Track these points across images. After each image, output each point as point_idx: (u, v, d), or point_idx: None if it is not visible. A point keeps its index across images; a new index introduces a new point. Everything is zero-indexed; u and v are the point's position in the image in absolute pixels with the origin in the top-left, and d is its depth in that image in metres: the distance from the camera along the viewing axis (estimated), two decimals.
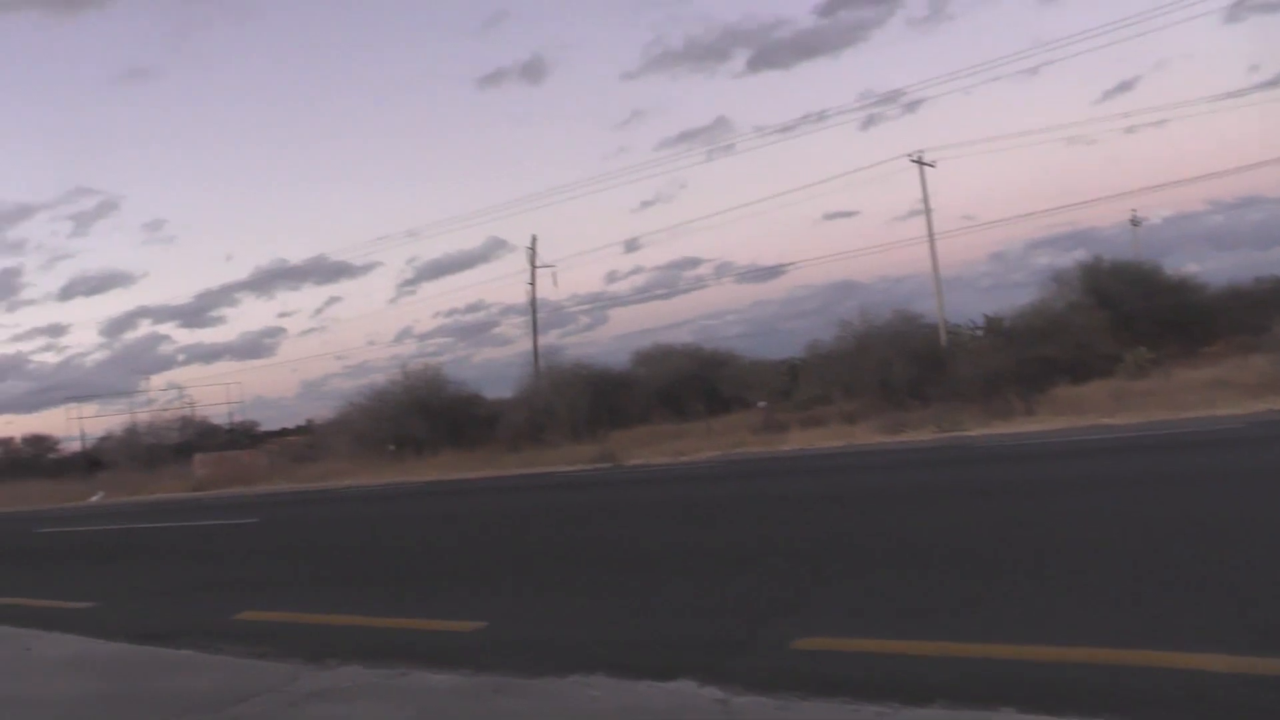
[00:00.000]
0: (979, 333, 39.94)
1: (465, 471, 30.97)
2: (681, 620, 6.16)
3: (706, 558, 8.52)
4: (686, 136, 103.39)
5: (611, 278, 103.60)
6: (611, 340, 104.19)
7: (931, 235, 39.95)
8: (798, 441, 26.45)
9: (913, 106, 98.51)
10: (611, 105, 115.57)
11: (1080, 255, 57.11)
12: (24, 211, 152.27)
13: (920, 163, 40.16)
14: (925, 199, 40.22)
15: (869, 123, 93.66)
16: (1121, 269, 39.40)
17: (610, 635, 5.89)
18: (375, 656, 5.72)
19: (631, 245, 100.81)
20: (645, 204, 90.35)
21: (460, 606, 7.24)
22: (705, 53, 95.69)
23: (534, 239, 51.57)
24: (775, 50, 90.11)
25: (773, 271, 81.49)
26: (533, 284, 51.69)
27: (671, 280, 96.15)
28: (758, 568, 7.68)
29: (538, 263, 51.70)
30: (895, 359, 34.56)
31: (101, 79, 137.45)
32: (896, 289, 79.88)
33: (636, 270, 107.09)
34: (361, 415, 42.25)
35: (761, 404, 35.37)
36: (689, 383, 44.00)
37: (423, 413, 40.07)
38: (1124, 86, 73.04)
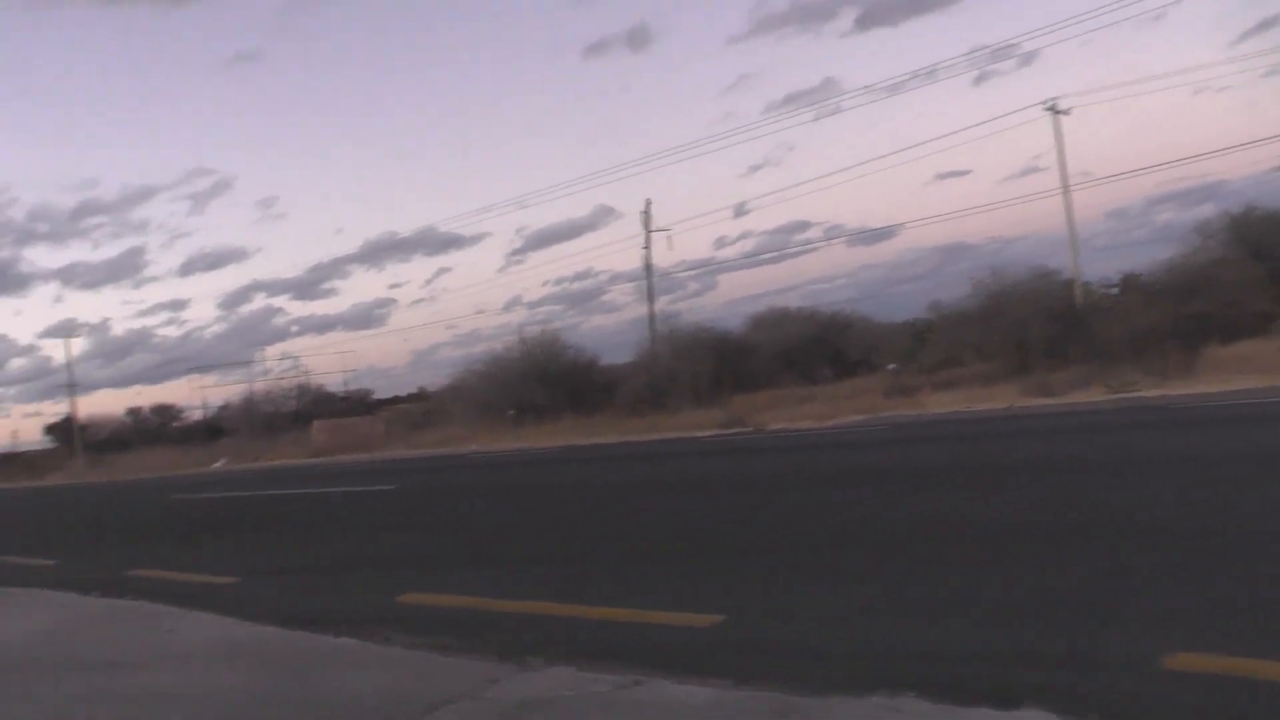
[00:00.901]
0: (1114, 290, 37.88)
1: (590, 437, 30.10)
2: (980, 621, 4.75)
3: (970, 537, 6.91)
4: (793, 99, 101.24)
5: (720, 243, 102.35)
6: (721, 306, 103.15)
7: (1067, 187, 37.93)
8: (937, 405, 25.02)
9: (1028, 59, 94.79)
10: (717, 70, 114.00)
11: (1208, 209, 54.14)
12: (146, 193, 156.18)
13: (1055, 110, 38.10)
14: (1060, 150, 38.21)
15: (981, 79, 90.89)
16: (1275, 219, 36.77)
17: (889, 639, 4.58)
18: (589, 656, 4.61)
19: (740, 210, 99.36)
20: (753, 168, 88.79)
21: (680, 595, 5.91)
22: (811, 13, 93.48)
23: (648, 203, 50.42)
24: (884, 7, 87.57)
25: (882, 234, 79.19)
26: (647, 248, 50.64)
27: (780, 244, 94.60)
28: (1056, 551, 6.04)
29: (652, 227, 50.73)
30: (1031, 318, 32.78)
31: (212, 64, 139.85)
32: (1009, 250, 76.87)
33: (745, 235, 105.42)
34: (480, 381, 41.64)
35: (892, 366, 33.88)
36: (811, 346, 42.68)
37: (541, 379, 39.28)
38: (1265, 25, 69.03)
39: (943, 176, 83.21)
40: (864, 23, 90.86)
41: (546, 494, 14.11)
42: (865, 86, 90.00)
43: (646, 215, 50.54)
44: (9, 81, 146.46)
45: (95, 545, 14.16)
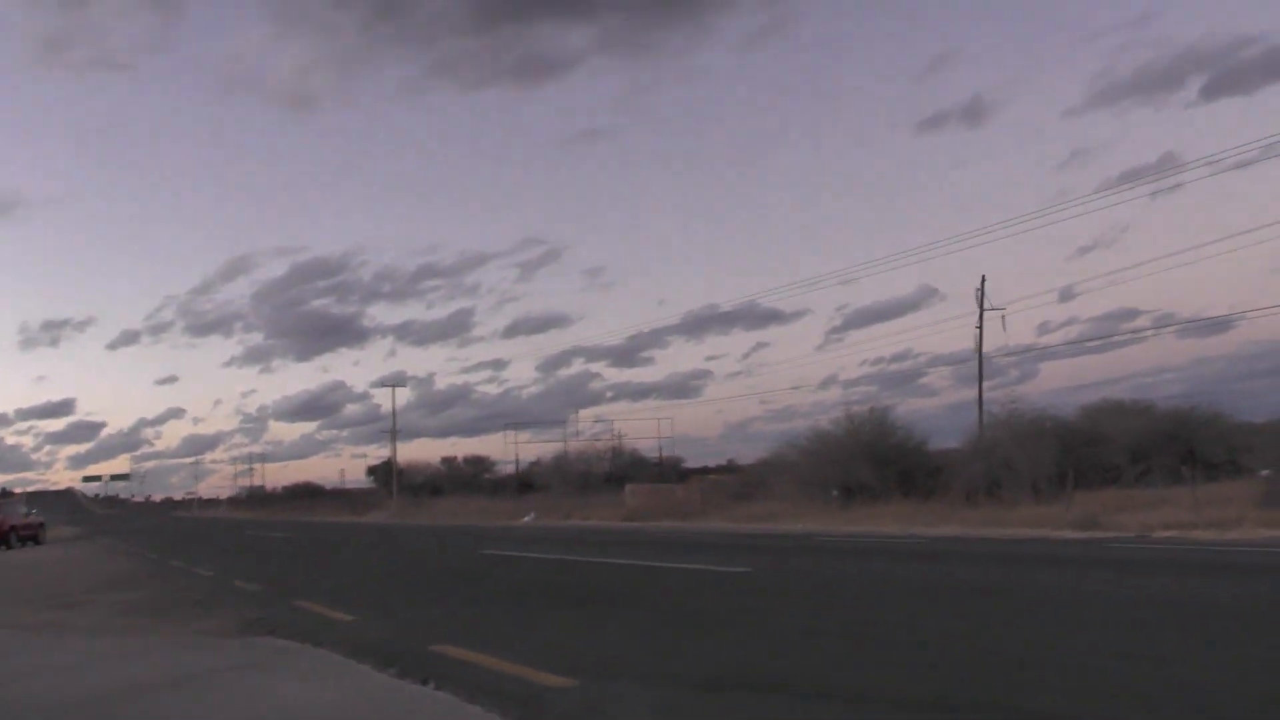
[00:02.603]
0: None
1: (929, 526, 27.45)
2: None
3: None
4: (1129, 176, 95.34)
5: (1043, 329, 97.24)
6: (1042, 395, 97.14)
7: None
8: None
9: None
10: (1052, 144, 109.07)
11: None
12: (480, 260, 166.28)
13: None
14: None
15: None
16: None
17: None
18: None
19: (1066, 294, 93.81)
20: (1083, 250, 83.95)
21: None
22: (1155, 81, 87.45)
23: (983, 279, 47.28)
24: (1237, 73, 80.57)
25: (1220, 324, 72.47)
26: (980, 327, 47.55)
27: (1107, 331, 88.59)
28: None
29: (986, 305, 47.69)
30: None
31: (556, 140, 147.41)
32: None
33: (1070, 321, 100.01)
34: (803, 457, 39.54)
35: (1265, 472, 29.69)
36: (1163, 443, 38.45)
37: (870, 458, 36.76)
38: None
39: None
40: (1212, 91, 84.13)
41: (962, 601, 10.16)
42: (1209, 161, 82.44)
43: (981, 293, 47.53)
44: (372, 158, 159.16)
45: (401, 600, 12.33)
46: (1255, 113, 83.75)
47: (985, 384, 46.84)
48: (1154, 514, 24.85)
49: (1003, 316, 47.23)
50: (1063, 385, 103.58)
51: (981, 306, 47.07)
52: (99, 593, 15.48)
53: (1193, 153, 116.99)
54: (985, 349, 47.23)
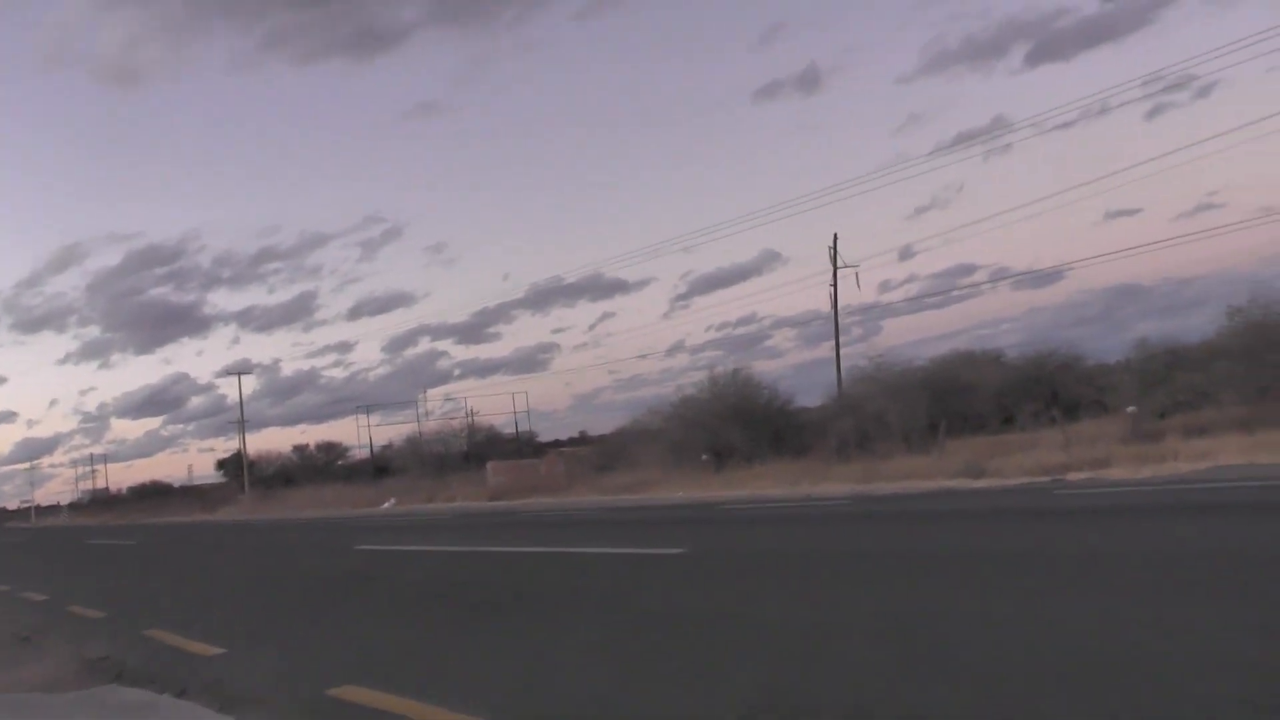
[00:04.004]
0: None
1: (813, 485, 26.49)
2: None
3: None
4: (963, 138, 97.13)
5: (885, 287, 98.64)
6: (888, 351, 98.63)
7: None
8: (1195, 456, 20.73)
9: (1204, 91, 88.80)
10: (887, 110, 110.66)
11: None
12: (320, 240, 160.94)
13: None
14: None
15: (1154, 113, 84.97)
16: None
17: None
18: None
19: (905, 253, 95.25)
20: (920, 210, 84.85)
21: None
22: (983, 50, 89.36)
23: (835, 237, 46.85)
24: (1056, 41, 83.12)
25: (1051, 276, 74.24)
26: (834, 284, 47.14)
27: (946, 287, 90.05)
28: None
29: (840, 264, 47.21)
30: None
31: (393, 115, 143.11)
32: (1183, 291, 71.55)
33: (911, 279, 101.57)
34: (668, 423, 38.30)
35: (1131, 409, 29.59)
36: (1027, 387, 38.46)
37: (738, 420, 35.77)
38: None
39: (1111, 215, 77.97)
40: (1035, 58, 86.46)
41: (963, 573, 8.50)
42: (1035, 124, 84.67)
43: (833, 250, 47.04)
44: (206, 136, 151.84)
45: (277, 620, 10.15)
46: (1073, 77, 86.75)
47: (830, 344, 46.54)
48: (1030, 457, 24.33)
49: (856, 274, 47.00)
50: (907, 340, 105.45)
51: (835, 264, 46.64)
52: None
53: (1020, 115, 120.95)
54: (831, 309, 46.86)
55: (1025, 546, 9.93)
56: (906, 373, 36.80)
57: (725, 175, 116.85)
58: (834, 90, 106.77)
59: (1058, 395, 37.89)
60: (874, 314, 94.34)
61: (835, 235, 46.34)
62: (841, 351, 46.08)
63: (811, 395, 43.11)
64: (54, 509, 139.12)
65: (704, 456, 34.78)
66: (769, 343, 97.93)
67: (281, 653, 7.83)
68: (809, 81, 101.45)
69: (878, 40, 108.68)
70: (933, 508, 15.76)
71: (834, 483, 26.65)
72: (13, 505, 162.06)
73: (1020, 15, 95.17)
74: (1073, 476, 19.70)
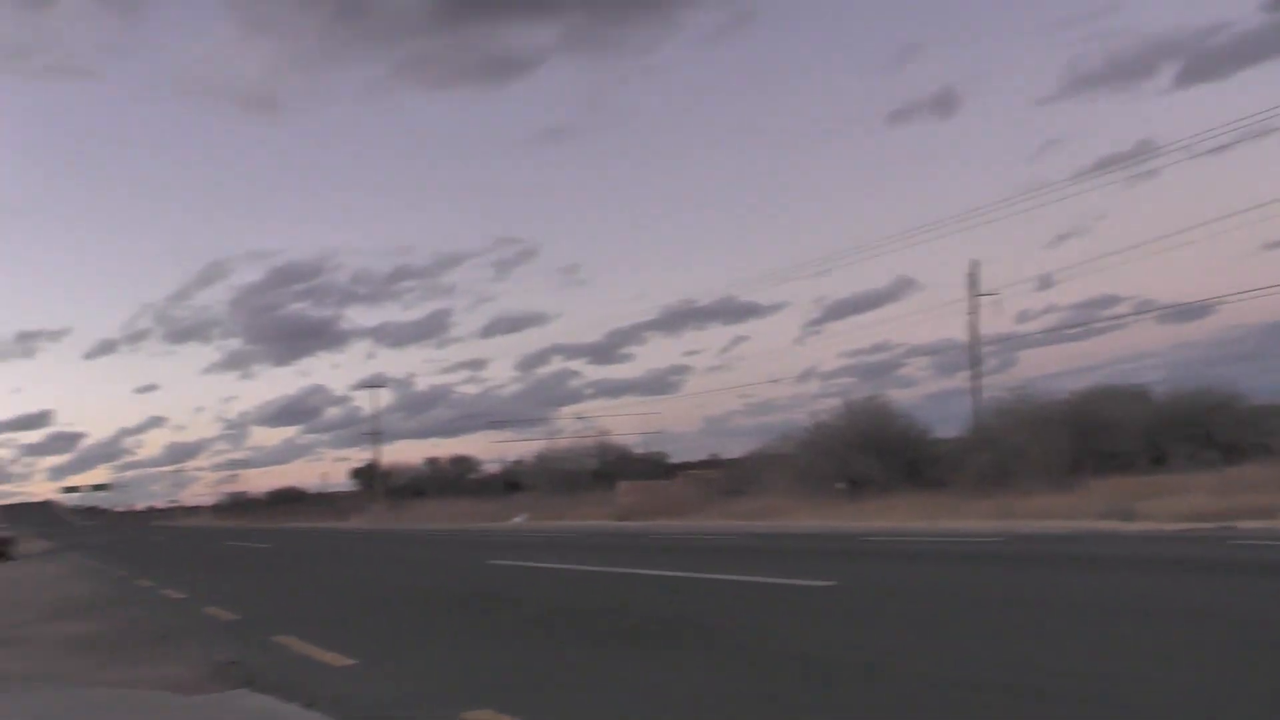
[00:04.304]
0: None
1: (952, 521, 25.74)
2: None
3: None
4: (1106, 163, 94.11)
5: (1021, 317, 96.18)
6: (1023, 384, 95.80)
7: None
8: None
9: None
10: (1025, 134, 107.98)
11: None
12: (454, 260, 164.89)
13: None
14: None
15: None
16: None
17: None
18: None
19: (1044, 282, 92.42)
20: (1059, 238, 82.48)
21: None
22: (1128, 70, 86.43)
23: (975, 264, 45.88)
24: (1211, 59, 79.69)
25: (1200, 309, 71.27)
26: (972, 312, 46.07)
27: (1086, 318, 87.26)
28: None
29: (978, 290, 46.12)
30: None
31: (524, 138, 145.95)
32: None
33: (1049, 309, 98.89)
34: (801, 449, 37.81)
35: None
36: (1177, 426, 36.84)
37: (874, 449, 35.14)
38: None
39: (1270, 246, 74.59)
40: (1186, 78, 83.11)
41: (1152, 627, 7.75)
42: (1185, 148, 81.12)
43: (973, 277, 46.04)
44: (342, 159, 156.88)
45: (408, 634, 9.89)
46: (1229, 98, 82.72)
47: (966, 373, 45.44)
48: (1183, 501, 23.22)
49: (995, 302, 45.87)
50: (1043, 373, 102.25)
51: (974, 292, 45.61)
52: (49, 622, 13.32)
53: (1168, 139, 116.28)
54: (964, 339, 45.80)
55: (1212, 603, 8.99)
56: (1048, 406, 35.53)
57: (859, 199, 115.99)
58: (970, 112, 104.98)
59: (1211, 436, 36.23)
60: (1010, 344, 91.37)
61: (975, 261, 45.37)
62: (978, 383, 44.95)
63: (943, 426, 41.92)
64: (196, 510, 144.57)
65: (838, 485, 34.17)
66: (901, 371, 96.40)
67: (412, 669, 7.64)
68: (944, 103, 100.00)
69: (1016, 61, 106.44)
70: (1089, 551, 14.93)
71: (972, 518, 25.88)
72: (160, 505, 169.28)
73: (1170, 33, 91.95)
74: (1244, 525, 18.62)
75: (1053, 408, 35.24)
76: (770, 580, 12.26)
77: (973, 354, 45.39)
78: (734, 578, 12.91)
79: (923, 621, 8.42)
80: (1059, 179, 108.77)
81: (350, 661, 7.93)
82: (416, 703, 6.26)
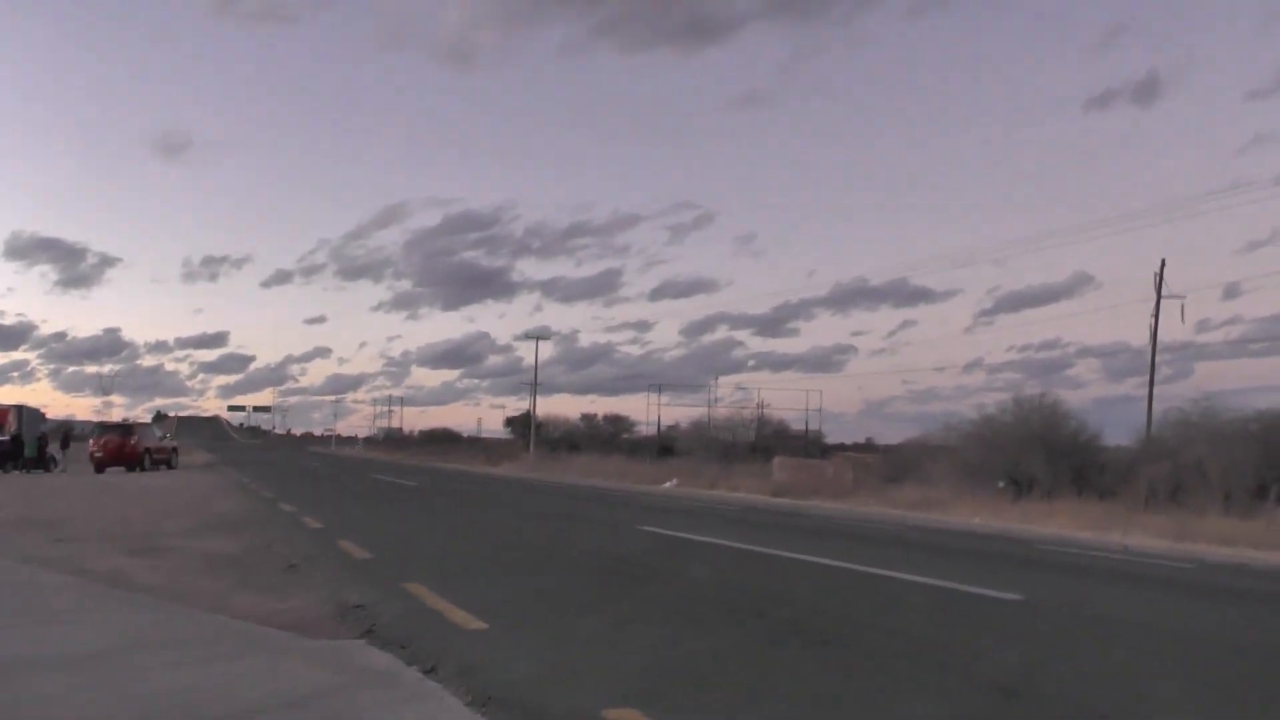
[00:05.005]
0: None
1: (1123, 535, 24.98)
2: None
3: None
4: None
5: (1202, 326, 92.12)
6: (1206, 396, 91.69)
7: None
8: None
9: None
10: (1231, 129, 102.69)
11: None
12: (631, 221, 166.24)
13: None
14: None
15: None
16: None
17: None
18: None
19: (1231, 291, 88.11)
20: (1254, 245, 78.52)
21: None
22: None
23: (1163, 264, 44.00)
24: None
25: None
26: (1156, 316, 44.30)
27: (1275, 333, 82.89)
28: None
29: (1165, 292, 44.34)
30: None
31: (715, 105, 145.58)
32: None
33: (1233, 320, 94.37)
34: (967, 442, 36.55)
35: None
36: None
37: (1043, 450, 33.81)
38: None
39: None
40: None
41: None
42: None
43: (1160, 278, 44.23)
44: (531, 115, 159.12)
45: (547, 602, 9.27)
46: None
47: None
48: None
49: (1182, 306, 43.99)
50: (1220, 387, 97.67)
51: (1159, 293, 43.86)
52: (191, 537, 13.73)
53: None
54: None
55: None
56: (1235, 422, 33.78)
57: (1045, 187, 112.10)
58: (1173, 102, 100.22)
59: None
60: (1187, 353, 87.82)
61: (1163, 261, 43.44)
62: (1142, 392, 43.30)
63: (1111, 433, 40.44)
64: (351, 440, 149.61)
65: (1000, 484, 33.45)
66: (1070, 371, 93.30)
67: (549, 644, 7.04)
68: (1146, 91, 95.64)
69: (1228, 50, 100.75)
70: None
71: (1144, 535, 24.87)
72: (318, 431, 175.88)
73: None
74: None
75: (1240, 424, 33.51)
76: (949, 585, 11.34)
77: (1153, 358, 43.71)
78: (907, 577, 12.08)
79: (1144, 664, 7.54)
80: (1262, 180, 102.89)
81: (481, 625, 7.53)
82: (550, 688, 5.72)
